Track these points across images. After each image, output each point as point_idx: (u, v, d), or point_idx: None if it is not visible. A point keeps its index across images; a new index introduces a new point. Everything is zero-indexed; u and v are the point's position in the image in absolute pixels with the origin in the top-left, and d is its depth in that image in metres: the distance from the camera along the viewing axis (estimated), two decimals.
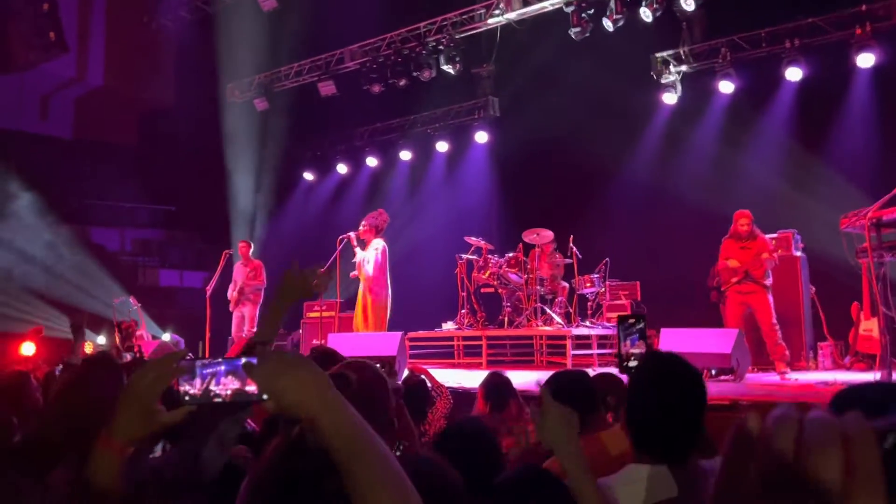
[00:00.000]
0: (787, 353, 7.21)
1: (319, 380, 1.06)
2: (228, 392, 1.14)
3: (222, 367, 1.14)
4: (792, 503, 0.47)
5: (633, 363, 2.28)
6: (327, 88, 11.97)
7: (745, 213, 7.40)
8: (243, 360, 1.11)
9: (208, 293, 9.97)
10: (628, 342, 2.32)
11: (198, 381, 1.15)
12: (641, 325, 2.31)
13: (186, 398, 1.16)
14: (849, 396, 0.91)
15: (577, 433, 1.71)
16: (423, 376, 4.62)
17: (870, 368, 6.92)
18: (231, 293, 9.95)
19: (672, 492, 1.88)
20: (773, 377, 6.99)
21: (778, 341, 7.16)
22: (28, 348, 9.33)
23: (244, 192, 13.32)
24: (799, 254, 8.21)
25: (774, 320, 7.21)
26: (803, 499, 0.46)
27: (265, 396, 1.07)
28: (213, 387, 1.15)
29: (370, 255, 8.61)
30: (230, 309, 9.95)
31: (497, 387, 3.83)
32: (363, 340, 7.92)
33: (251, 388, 1.11)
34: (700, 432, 1.98)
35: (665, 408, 1.95)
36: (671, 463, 1.91)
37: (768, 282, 7.25)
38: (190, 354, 1.22)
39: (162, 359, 1.22)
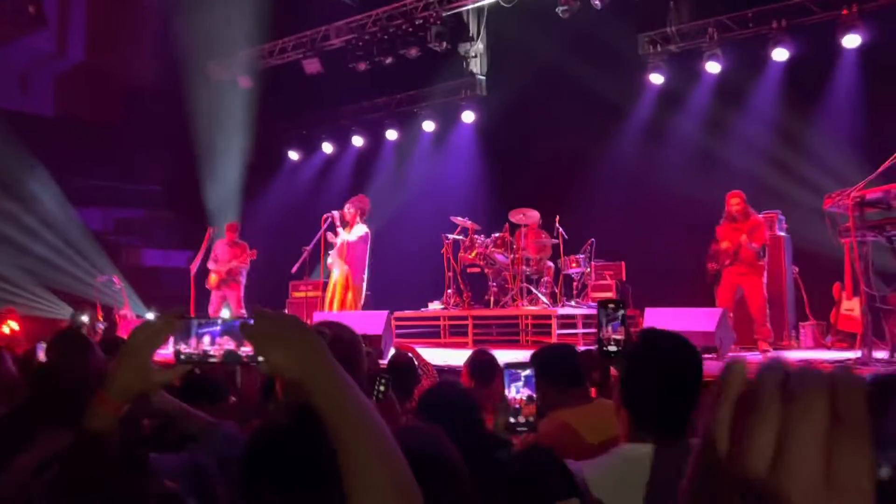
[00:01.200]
0: (772, 334, 7.29)
1: (315, 344, 1.05)
2: (223, 352, 1.13)
3: (218, 328, 1.14)
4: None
5: (612, 348, 2.25)
6: (312, 66, 11.84)
7: (736, 193, 7.44)
8: (239, 320, 1.10)
9: (192, 272, 9.91)
10: (609, 328, 2.29)
11: (193, 341, 1.15)
12: (623, 312, 2.29)
13: (182, 357, 1.15)
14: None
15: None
16: (410, 355, 4.62)
17: (851, 347, 7.00)
18: (212, 267, 9.72)
19: (669, 468, 1.88)
20: (756, 356, 7.05)
21: (765, 323, 7.23)
22: (7, 327, 9.29)
23: (229, 171, 13.20)
24: (783, 234, 8.26)
25: (764, 302, 7.27)
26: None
27: (260, 358, 1.05)
28: (207, 346, 1.14)
29: (353, 239, 8.69)
30: (207, 286, 9.78)
31: (482, 364, 3.84)
32: (349, 319, 7.90)
33: (246, 349, 1.10)
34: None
35: (665, 387, 1.94)
36: (668, 440, 1.91)
37: (761, 262, 7.30)
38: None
39: (159, 317, 1.21)
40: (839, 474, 0.44)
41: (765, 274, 7.35)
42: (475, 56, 11.63)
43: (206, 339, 1.14)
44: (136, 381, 1.21)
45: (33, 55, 13.63)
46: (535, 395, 2.04)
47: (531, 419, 2.00)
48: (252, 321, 1.06)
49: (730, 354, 6.83)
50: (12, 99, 13.57)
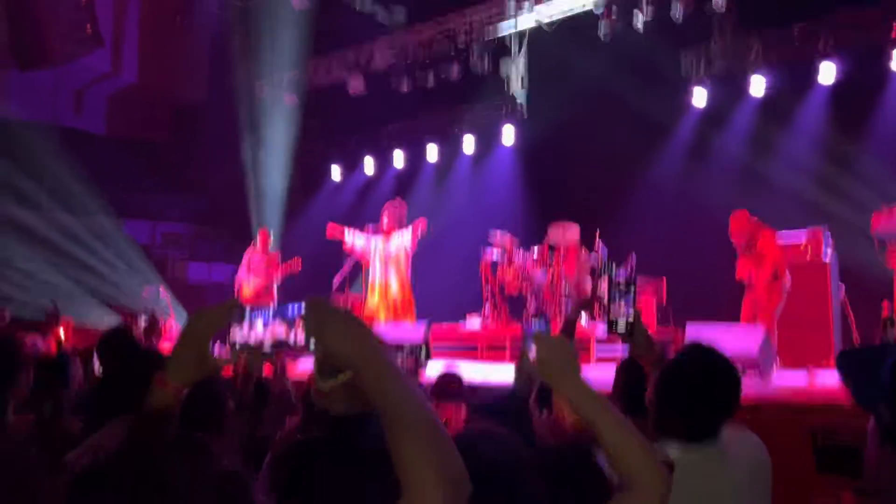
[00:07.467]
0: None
1: (365, 331, 1.10)
2: (276, 339, 1.18)
3: (271, 314, 1.18)
4: None
5: (622, 325, 2.21)
6: (356, 86, 12.05)
7: (734, 219, 7.29)
8: (294, 305, 1.15)
9: (236, 287, 10.06)
10: (622, 303, 2.23)
11: (246, 327, 1.19)
12: (634, 288, 2.24)
13: (236, 346, 1.20)
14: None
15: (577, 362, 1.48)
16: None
17: None
18: (244, 277, 9.66)
19: (694, 472, 1.89)
20: (801, 376, 6.88)
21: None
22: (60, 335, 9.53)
23: (273, 188, 13.47)
24: (828, 253, 8.04)
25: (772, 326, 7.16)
26: None
27: (312, 342, 1.10)
28: (260, 333, 1.19)
29: (405, 243, 8.75)
30: (241, 300, 9.66)
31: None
32: (389, 329, 7.97)
33: (293, 337, 1.14)
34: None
35: (700, 402, 1.99)
36: (695, 443, 1.96)
37: (777, 282, 7.20)
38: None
39: (216, 306, 1.27)
40: None
41: (782, 297, 7.19)
42: (516, 76, 11.71)
43: (259, 323, 1.19)
44: (194, 365, 1.27)
45: (89, 74, 14.13)
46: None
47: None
48: (306, 307, 1.11)
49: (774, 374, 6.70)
50: (67, 116, 14.07)
